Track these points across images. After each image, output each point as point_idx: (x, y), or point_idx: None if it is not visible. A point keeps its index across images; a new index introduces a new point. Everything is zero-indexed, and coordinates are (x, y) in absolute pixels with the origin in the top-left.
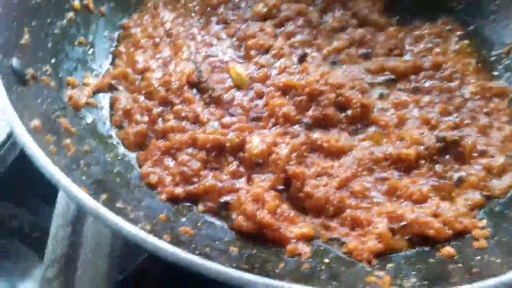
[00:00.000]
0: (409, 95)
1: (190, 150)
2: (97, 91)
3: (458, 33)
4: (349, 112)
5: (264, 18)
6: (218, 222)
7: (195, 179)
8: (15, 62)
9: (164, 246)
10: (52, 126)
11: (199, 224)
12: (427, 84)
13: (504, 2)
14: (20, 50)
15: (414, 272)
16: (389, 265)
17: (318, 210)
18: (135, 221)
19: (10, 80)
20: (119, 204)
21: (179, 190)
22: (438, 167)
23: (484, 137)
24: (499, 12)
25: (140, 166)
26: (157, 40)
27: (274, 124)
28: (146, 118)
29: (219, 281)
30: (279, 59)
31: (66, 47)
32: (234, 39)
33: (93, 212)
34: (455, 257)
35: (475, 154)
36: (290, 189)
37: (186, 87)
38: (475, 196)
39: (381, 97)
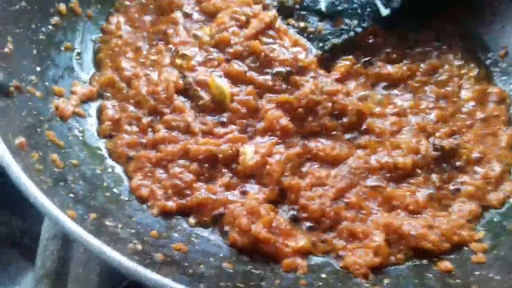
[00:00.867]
0: (405, 101)
1: (182, 161)
2: (85, 99)
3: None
4: (345, 119)
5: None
6: (211, 236)
7: (188, 192)
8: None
9: (155, 277)
10: (38, 141)
11: (192, 239)
12: (423, 89)
13: (500, 5)
14: (3, 59)
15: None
16: (386, 280)
17: (314, 222)
18: (125, 241)
19: None
20: (109, 222)
21: (171, 204)
22: (434, 177)
23: (481, 145)
24: (496, 15)
25: (129, 178)
26: (139, 44)
27: (270, 135)
28: (135, 128)
29: None
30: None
31: (52, 53)
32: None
33: (80, 242)
34: (453, 272)
35: (472, 163)
36: (285, 201)
37: (175, 95)
38: (472, 206)
39: (377, 103)
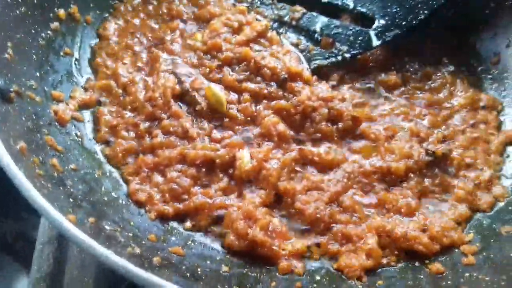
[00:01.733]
0: (399, 108)
1: (179, 166)
2: (83, 105)
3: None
4: (340, 125)
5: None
6: (208, 240)
7: (185, 196)
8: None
9: (157, 280)
10: (38, 146)
11: (189, 243)
12: (416, 95)
13: (492, 13)
14: (3, 65)
15: None
16: (379, 282)
17: (309, 225)
18: (124, 244)
19: None
20: (107, 226)
21: (168, 209)
22: (426, 181)
23: (472, 150)
24: (488, 22)
25: (126, 182)
26: (137, 49)
27: (267, 140)
28: (132, 134)
29: None
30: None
31: (51, 58)
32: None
33: (80, 245)
34: (444, 273)
35: (463, 168)
36: (281, 204)
37: (172, 101)
38: (462, 209)
39: (372, 109)
